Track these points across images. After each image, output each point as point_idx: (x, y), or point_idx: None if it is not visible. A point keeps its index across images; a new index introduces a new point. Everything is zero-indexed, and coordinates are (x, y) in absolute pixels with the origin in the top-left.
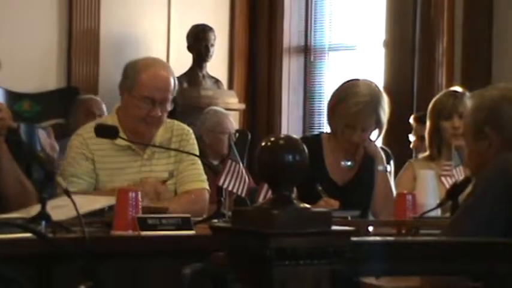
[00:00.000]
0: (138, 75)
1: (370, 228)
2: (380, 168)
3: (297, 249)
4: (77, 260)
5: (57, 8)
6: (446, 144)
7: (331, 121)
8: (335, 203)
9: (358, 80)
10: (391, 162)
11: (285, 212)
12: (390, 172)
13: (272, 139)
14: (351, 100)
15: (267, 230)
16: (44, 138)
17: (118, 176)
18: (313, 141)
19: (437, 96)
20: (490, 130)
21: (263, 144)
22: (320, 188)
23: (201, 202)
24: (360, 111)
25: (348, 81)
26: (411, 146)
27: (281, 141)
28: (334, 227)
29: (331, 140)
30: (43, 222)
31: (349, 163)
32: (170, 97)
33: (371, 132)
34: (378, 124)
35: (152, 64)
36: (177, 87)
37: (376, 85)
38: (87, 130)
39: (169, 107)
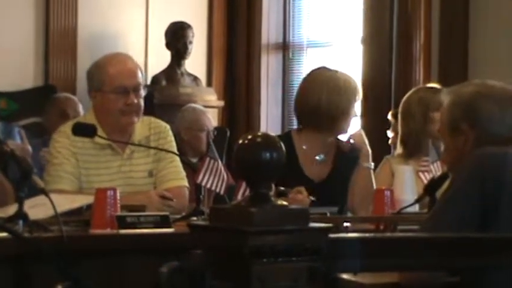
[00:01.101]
0: (103, 70)
1: (347, 224)
2: (365, 164)
3: (274, 247)
4: (54, 260)
5: (34, 5)
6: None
7: (309, 111)
8: (305, 192)
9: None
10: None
11: (262, 209)
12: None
13: (249, 137)
14: (334, 89)
15: (245, 228)
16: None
17: (98, 176)
18: (284, 139)
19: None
20: (466, 126)
21: (240, 142)
22: (283, 188)
23: (180, 200)
24: (345, 96)
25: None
26: (389, 142)
27: (258, 139)
28: (311, 224)
29: (303, 136)
30: (20, 222)
31: (322, 156)
32: (141, 82)
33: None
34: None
35: (113, 57)
36: (143, 74)
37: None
38: (69, 128)
39: (143, 92)
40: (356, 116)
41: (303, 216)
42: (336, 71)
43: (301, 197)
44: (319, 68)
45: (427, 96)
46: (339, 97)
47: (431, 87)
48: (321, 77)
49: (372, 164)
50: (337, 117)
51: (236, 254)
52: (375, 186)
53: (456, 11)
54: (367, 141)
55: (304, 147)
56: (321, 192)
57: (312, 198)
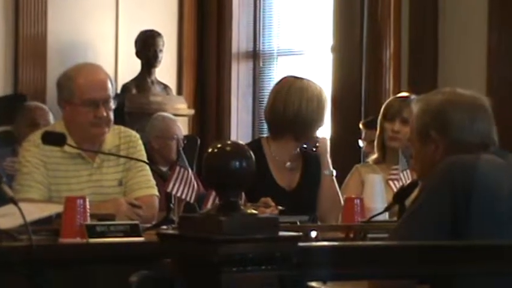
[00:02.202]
0: (73, 82)
1: (314, 234)
2: (326, 172)
3: (244, 255)
4: (23, 269)
5: (3, 13)
6: (387, 146)
7: (303, 116)
8: (272, 203)
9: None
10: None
11: (232, 218)
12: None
13: (219, 145)
14: (317, 89)
15: (215, 237)
16: None
17: (68, 185)
18: (254, 147)
19: (388, 100)
20: (435, 134)
21: (210, 150)
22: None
23: (150, 209)
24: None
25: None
26: (362, 150)
27: (228, 148)
28: (281, 233)
29: (272, 143)
30: None
31: (292, 164)
32: (111, 95)
33: None
34: None
35: (84, 68)
36: (114, 85)
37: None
38: (39, 136)
39: (112, 105)
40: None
41: (273, 224)
42: (308, 80)
43: (269, 211)
44: (290, 77)
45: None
46: (316, 105)
47: (401, 97)
48: (296, 86)
49: (334, 171)
50: (313, 126)
51: (206, 263)
52: (339, 192)
53: (426, 20)
54: (328, 149)
55: (274, 155)
56: (293, 200)
57: (281, 207)
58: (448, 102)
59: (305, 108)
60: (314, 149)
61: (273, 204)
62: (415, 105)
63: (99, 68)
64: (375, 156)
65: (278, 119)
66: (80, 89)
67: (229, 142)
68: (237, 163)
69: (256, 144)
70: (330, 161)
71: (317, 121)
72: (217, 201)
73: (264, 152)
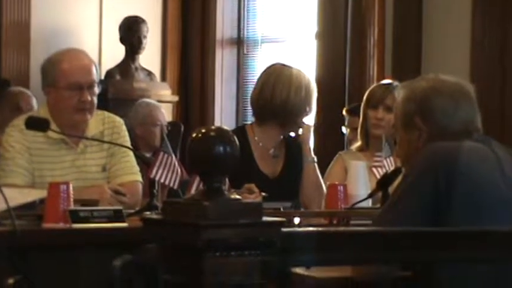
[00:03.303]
0: (57, 67)
1: (297, 220)
2: (308, 159)
3: (228, 241)
4: (5, 254)
5: None
6: (371, 134)
7: (290, 104)
8: (256, 189)
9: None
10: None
11: (216, 203)
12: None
13: (203, 130)
14: (305, 79)
15: (198, 222)
16: None
17: (51, 171)
18: (238, 134)
19: (371, 87)
20: (419, 120)
21: (194, 135)
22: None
23: (134, 195)
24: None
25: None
26: (346, 137)
27: (212, 133)
28: (264, 218)
29: (257, 130)
30: None
31: (275, 152)
32: (95, 79)
33: None
34: None
35: (68, 53)
36: (98, 70)
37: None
38: (22, 121)
39: (97, 90)
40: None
41: (256, 210)
42: (297, 69)
43: (253, 197)
44: (278, 64)
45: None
46: (304, 95)
47: (384, 84)
48: (285, 74)
49: (315, 157)
50: (300, 115)
51: (189, 248)
52: (321, 179)
53: (409, 7)
54: (312, 136)
55: (259, 142)
56: (276, 187)
57: (264, 194)
58: (432, 89)
59: (293, 97)
60: (296, 136)
61: (256, 190)
62: (399, 92)
63: (84, 53)
64: (358, 143)
65: (265, 106)
66: (64, 73)
67: (213, 127)
68: (221, 148)
69: (240, 130)
70: (311, 148)
71: (304, 110)
72: (201, 186)
73: (248, 138)
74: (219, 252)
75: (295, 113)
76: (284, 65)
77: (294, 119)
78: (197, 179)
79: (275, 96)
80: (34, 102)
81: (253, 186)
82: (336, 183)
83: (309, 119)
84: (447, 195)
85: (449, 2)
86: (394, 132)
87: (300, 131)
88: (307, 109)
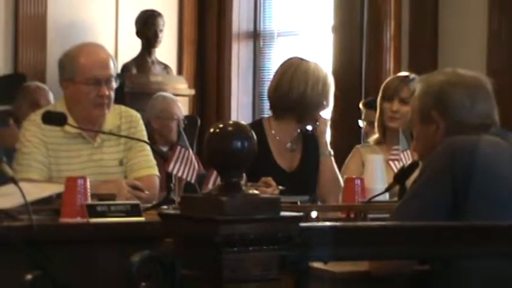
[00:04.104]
0: (75, 61)
1: (314, 214)
2: (325, 153)
3: (245, 236)
4: (24, 249)
5: None
6: (387, 126)
7: (307, 98)
8: (273, 183)
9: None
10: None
11: (233, 198)
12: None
13: (221, 125)
14: (322, 72)
15: (216, 217)
16: None
17: (68, 165)
18: (256, 128)
19: (387, 80)
20: (437, 114)
21: (211, 130)
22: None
23: (151, 189)
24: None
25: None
26: (362, 131)
27: (230, 128)
28: (282, 213)
29: (273, 123)
30: None
31: (292, 145)
32: (113, 74)
33: None
34: None
35: (86, 47)
36: (116, 65)
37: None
38: (39, 116)
39: (114, 84)
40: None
41: (274, 205)
42: (315, 63)
43: (270, 191)
44: (296, 58)
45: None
46: (321, 89)
47: (399, 76)
48: (302, 68)
49: (331, 151)
50: (317, 109)
51: (207, 243)
52: (338, 173)
53: (426, 1)
54: (328, 130)
55: (276, 136)
56: (293, 181)
57: (281, 187)
58: (449, 83)
59: (310, 91)
60: (313, 130)
61: (273, 183)
62: (417, 85)
63: (102, 48)
64: (375, 136)
65: (282, 100)
66: (82, 67)
67: (231, 122)
68: (239, 143)
69: (257, 124)
70: (328, 141)
71: (321, 104)
72: (218, 181)
73: (265, 132)
74: (237, 247)
75: (312, 107)
76: (302, 58)
77: (311, 113)
78: (214, 174)
79: (292, 91)
80: (51, 97)
81: (270, 179)
82: (353, 177)
83: (326, 113)
84: (465, 189)
85: None
86: (410, 125)
87: (317, 124)
88: (324, 103)
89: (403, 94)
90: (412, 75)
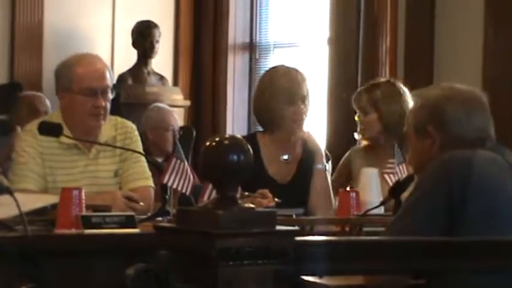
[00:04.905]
0: (72, 71)
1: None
2: (319, 166)
3: (241, 250)
4: (18, 259)
5: None
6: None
7: (268, 110)
8: (269, 195)
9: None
10: (329, 162)
11: (229, 212)
12: (328, 171)
13: (217, 139)
14: (278, 80)
15: (212, 230)
16: None
17: (64, 176)
18: (249, 140)
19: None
20: (432, 129)
21: (207, 144)
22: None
23: (146, 200)
24: (292, 82)
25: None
26: (357, 144)
27: (226, 141)
28: (278, 227)
29: (267, 137)
30: None
31: (285, 157)
32: (109, 85)
33: (307, 109)
34: (308, 96)
35: (83, 57)
36: (112, 75)
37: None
38: (36, 126)
39: (110, 95)
40: None
41: (270, 219)
42: (275, 68)
43: (265, 202)
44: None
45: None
46: (277, 96)
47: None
48: (266, 78)
49: (326, 165)
50: (283, 118)
51: (203, 257)
52: (330, 188)
53: (422, 14)
54: (317, 142)
55: (269, 147)
56: (286, 193)
57: (277, 199)
58: (445, 98)
59: (268, 100)
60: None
61: (270, 195)
62: (413, 99)
63: (98, 58)
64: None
65: (256, 114)
66: (78, 77)
67: (227, 136)
68: (235, 157)
69: (251, 137)
70: (323, 154)
71: (298, 94)
72: (213, 194)
73: (258, 144)
74: (232, 261)
75: (275, 118)
76: (275, 67)
77: (278, 123)
78: (210, 186)
79: (258, 103)
80: (49, 104)
81: (266, 191)
82: (348, 189)
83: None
84: (460, 204)
85: (462, 9)
86: (402, 138)
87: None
88: (286, 113)
89: (361, 104)
90: (372, 82)
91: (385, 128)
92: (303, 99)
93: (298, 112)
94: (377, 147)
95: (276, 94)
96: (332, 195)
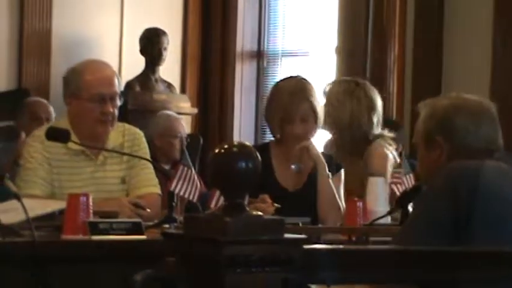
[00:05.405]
0: (81, 77)
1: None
2: (323, 174)
3: (249, 257)
4: (25, 265)
5: (8, 7)
6: None
7: (270, 124)
8: (269, 200)
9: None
10: (342, 170)
11: (237, 219)
12: (340, 180)
13: (225, 146)
14: (279, 96)
15: (220, 238)
16: None
17: (71, 182)
18: (262, 149)
19: None
20: (441, 139)
21: (216, 151)
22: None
23: (153, 207)
24: (291, 100)
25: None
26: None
27: (234, 148)
28: (286, 235)
29: (279, 146)
30: None
31: (295, 166)
32: (118, 91)
33: (312, 126)
34: (315, 114)
35: (91, 64)
36: (120, 82)
37: (301, 77)
38: (43, 132)
39: (118, 102)
40: None
41: (278, 226)
42: (295, 80)
43: (263, 206)
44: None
45: None
46: (267, 104)
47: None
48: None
49: (330, 173)
50: (280, 126)
51: (210, 263)
52: (336, 194)
53: (430, 23)
54: (317, 151)
55: (280, 157)
56: (295, 200)
57: (276, 205)
58: (454, 107)
59: (278, 105)
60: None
61: (269, 200)
62: (422, 109)
63: (107, 65)
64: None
65: (268, 123)
66: (87, 84)
67: (235, 143)
68: (243, 164)
69: (264, 146)
70: (325, 162)
71: (296, 113)
72: (221, 201)
73: (270, 152)
74: (240, 268)
75: (282, 119)
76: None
77: (285, 126)
78: (217, 193)
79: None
80: (52, 110)
81: (266, 196)
82: (355, 199)
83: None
84: (468, 214)
85: (470, 20)
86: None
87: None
88: (297, 112)
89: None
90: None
91: None
92: (304, 117)
93: (295, 131)
94: None
95: (274, 112)
96: (340, 202)
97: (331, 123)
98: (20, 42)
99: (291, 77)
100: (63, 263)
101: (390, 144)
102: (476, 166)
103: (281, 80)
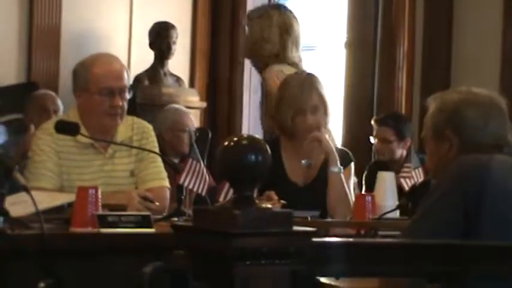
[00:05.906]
0: (90, 70)
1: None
2: (334, 169)
3: (258, 249)
4: (35, 257)
5: (18, 2)
6: None
7: (279, 119)
8: (275, 197)
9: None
10: (352, 164)
11: (246, 212)
12: (350, 174)
13: (235, 139)
14: (288, 90)
15: (229, 230)
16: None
17: (79, 175)
18: (272, 143)
19: None
20: (450, 133)
21: (226, 144)
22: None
23: (161, 200)
24: (301, 91)
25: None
26: (373, 148)
27: (244, 141)
28: (295, 228)
29: (289, 141)
30: (1, 218)
31: (306, 162)
32: (127, 84)
33: (323, 118)
34: (325, 106)
35: (101, 57)
36: (130, 75)
37: (308, 72)
38: (52, 125)
39: (127, 95)
40: None
41: (287, 219)
42: (305, 75)
43: (269, 204)
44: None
45: None
46: (285, 101)
47: None
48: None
49: (341, 167)
50: (286, 125)
51: (219, 256)
52: (347, 189)
53: (440, 19)
54: (331, 145)
55: (290, 152)
56: (305, 196)
57: (283, 201)
58: (464, 102)
59: (288, 99)
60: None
61: (275, 197)
62: (431, 103)
63: (116, 58)
64: None
65: (276, 122)
66: (96, 77)
67: (245, 136)
68: (253, 157)
69: (274, 140)
70: (337, 157)
71: (307, 104)
72: (230, 194)
73: (280, 147)
74: (248, 260)
75: (295, 112)
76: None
77: (297, 119)
78: (226, 187)
79: (274, 111)
80: (59, 102)
81: (272, 193)
82: (364, 193)
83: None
84: (477, 209)
85: (480, 14)
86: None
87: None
88: (307, 103)
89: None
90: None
91: None
92: (314, 109)
93: (307, 122)
94: None
95: (285, 105)
96: (350, 198)
97: None
98: (29, 36)
99: (297, 73)
100: (72, 256)
101: None
102: (486, 160)
103: (289, 76)
